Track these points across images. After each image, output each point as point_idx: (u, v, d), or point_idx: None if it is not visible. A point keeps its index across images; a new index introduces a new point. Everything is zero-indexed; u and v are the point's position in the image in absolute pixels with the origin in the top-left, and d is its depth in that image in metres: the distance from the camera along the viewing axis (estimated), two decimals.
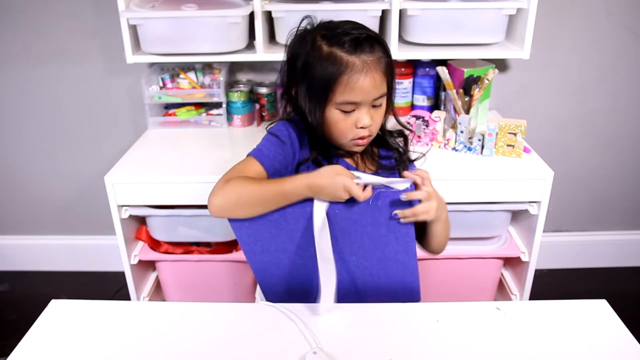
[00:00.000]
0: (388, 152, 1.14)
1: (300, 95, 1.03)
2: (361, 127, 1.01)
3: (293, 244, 1.01)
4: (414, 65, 1.79)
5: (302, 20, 1.07)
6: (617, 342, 0.88)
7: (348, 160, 1.10)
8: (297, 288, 1.05)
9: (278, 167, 1.04)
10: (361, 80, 0.96)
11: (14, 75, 1.93)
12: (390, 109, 1.08)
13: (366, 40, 0.97)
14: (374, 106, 1.01)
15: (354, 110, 1.00)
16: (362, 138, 1.03)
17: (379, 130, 1.08)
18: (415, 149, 1.18)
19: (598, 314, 0.95)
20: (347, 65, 0.96)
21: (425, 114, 1.57)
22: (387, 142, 1.13)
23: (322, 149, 1.07)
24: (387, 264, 1.03)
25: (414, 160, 1.15)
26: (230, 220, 1.01)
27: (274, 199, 0.97)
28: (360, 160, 1.11)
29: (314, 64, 0.98)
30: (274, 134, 1.06)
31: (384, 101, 1.02)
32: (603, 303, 0.97)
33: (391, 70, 1.01)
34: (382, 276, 1.03)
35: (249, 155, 1.05)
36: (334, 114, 1.01)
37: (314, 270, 0.97)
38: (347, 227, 1.00)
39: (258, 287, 1.66)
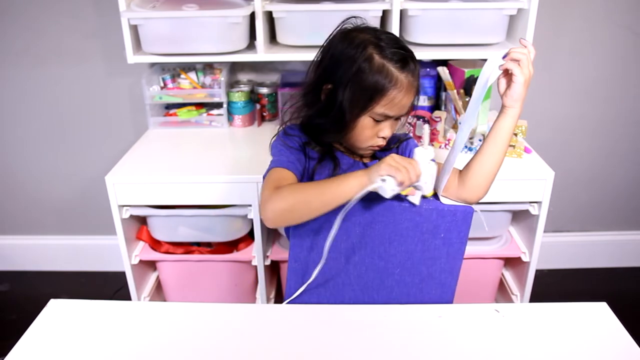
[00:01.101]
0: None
1: (338, 94, 1.02)
2: (382, 137, 1.04)
3: (347, 242, 1.01)
4: None
5: (348, 19, 1.06)
6: (617, 345, 0.88)
7: (348, 155, 1.11)
8: (329, 291, 1.05)
9: (301, 170, 1.04)
10: (404, 99, 0.99)
11: (14, 75, 1.93)
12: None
13: (411, 59, 1.00)
14: (397, 119, 1.04)
15: (383, 121, 1.02)
16: (379, 146, 1.06)
17: None
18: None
19: (598, 317, 0.94)
20: (396, 82, 0.98)
21: (426, 114, 1.57)
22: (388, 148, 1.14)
23: (328, 147, 1.08)
24: (428, 284, 1.04)
25: (397, 143, 1.14)
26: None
27: (332, 200, 0.92)
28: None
29: (365, 71, 0.98)
30: (282, 143, 1.06)
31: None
32: (603, 306, 0.97)
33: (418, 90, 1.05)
34: (419, 298, 1.04)
35: (272, 167, 1.03)
36: (366, 121, 1.02)
37: (355, 278, 1.01)
38: (407, 230, 1.00)
39: (258, 287, 1.67)
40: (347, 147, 1.09)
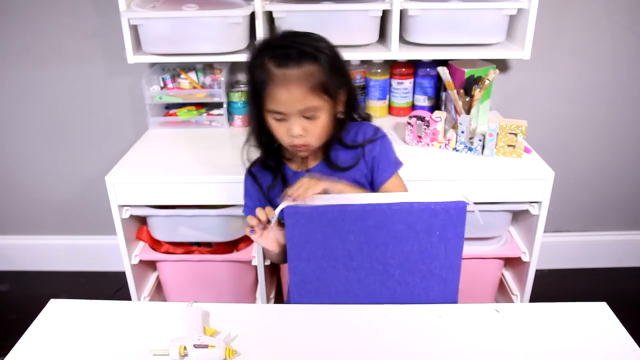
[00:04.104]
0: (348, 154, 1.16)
1: (248, 100, 1.12)
2: (295, 136, 1.04)
3: (343, 249, 1.01)
4: (414, 66, 1.79)
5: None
6: (617, 345, 0.88)
7: (292, 166, 1.17)
8: (332, 299, 1.05)
9: (260, 198, 1.18)
10: (280, 93, 1.00)
11: (14, 75, 1.93)
12: (336, 121, 1.10)
13: (298, 55, 1.00)
14: (308, 117, 1.03)
15: (284, 119, 1.04)
16: (299, 145, 1.06)
17: (331, 137, 1.11)
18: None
19: (598, 317, 0.94)
20: (270, 77, 1.00)
21: (426, 114, 1.57)
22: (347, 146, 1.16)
23: (274, 152, 1.16)
24: (430, 282, 1.03)
25: (347, 168, 1.16)
26: (287, 217, 1.01)
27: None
28: (304, 160, 1.16)
29: (253, 72, 1.04)
30: (245, 185, 1.23)
31: (320, 113, 1.04)
32: (603, 306, 0.97)
33: (326, 85, 1.02)
34: (423, 297, 1.03)
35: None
36: (270, 120, 1.06)
37: (356, 283, 1.01)
38: (402, 231, 1.00)
39: (258, 287, 1.67)
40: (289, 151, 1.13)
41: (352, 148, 1.15)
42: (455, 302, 1.05)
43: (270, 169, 1.17)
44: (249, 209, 1.18)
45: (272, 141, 1.13)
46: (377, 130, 1.17)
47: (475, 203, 1.46)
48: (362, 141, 1.15)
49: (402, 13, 1.57)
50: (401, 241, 1.01)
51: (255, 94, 1.05)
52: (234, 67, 1.90)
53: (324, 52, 1.03)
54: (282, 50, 1.01)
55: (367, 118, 1.20)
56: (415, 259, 1.02)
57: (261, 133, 1.12)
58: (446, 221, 1.00)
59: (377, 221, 0.99)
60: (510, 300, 1.70)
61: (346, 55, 1.12)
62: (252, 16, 1.58)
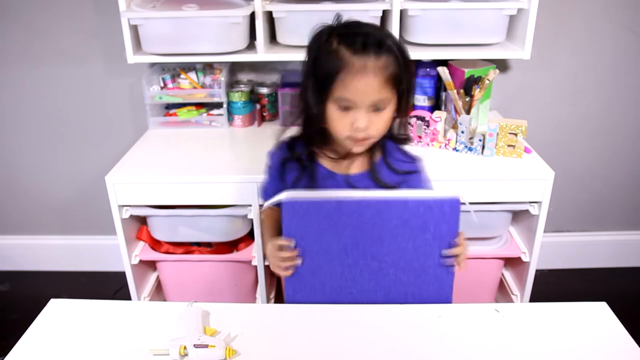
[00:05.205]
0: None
1: (307, 87, 1.04)
2: (359, 128, 1.01)
3: (338, 244, 1.01)
4: (415, 66, 1.79)
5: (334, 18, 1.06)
6: (617, 345, 0.88)
7: (326, 165, 1.12)
8: (328, 297, 1.05)
9: (280, 188, 1.10)
10: (356, 81, 0.97)
11: (14, 75, 1.93)
12: (401, 117, 1.09)
13: (376, 44, 0.97)
14: (375, 110, 1.01)
15: (351, 109, 1.00)
16: (360, 139, 1.03)
17: (388, 137, 1.10)
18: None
19: (598, 317, 0.94)
20: (346, 64, 0.97)
21: (426, 114, 1.57)
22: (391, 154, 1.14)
23: (314, 144, 1.11)
24: (424, 280, 1.03)
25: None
26: (284, 209, 1.00)
27: None
28: (347, 164, 1.12)
29: (322, 57, 1.00)
30: (267, 167, 1.19)
31: (387, 106, 1.02)
32: (603, 306, 0.97)
33: (399, 78, 1.00)
34: (417, 296, 1.03)
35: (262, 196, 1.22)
36: (332, 110, 1.01)
37: (351, 281, 1.01)
38: (397, 227, 1.00)
39: (258, 287, 1.67)
40: (333, 148, 1.10)
41: (394, 171, 1.13)
42: (449, 301, 1.05)
43: (300, 163, 1.12)
44: (267, 195, 1.15)
45: (314, 133, 1.09)
46: (417, 160, 1.17)
47: (476, 203, 1.48)
48: (404, 169, 1.13)
49: (402, 13, 1.57)
50: (396, 237, 1.00)
51: (321, 81, 1.01)
52: (234, 67, 1.90)
53: (395, 43, 1.01)
54: (359, 38, 0.98)
55: (406, 139, 1.17)
56: (410, 257, 1.02)
57: (312, 123, 1.07)
58: (440, 217, 1.00)
59: (373, 216, 0.99)
60: (510, 300, 1.70)
61: None
62: (252, 16, 1.58)
